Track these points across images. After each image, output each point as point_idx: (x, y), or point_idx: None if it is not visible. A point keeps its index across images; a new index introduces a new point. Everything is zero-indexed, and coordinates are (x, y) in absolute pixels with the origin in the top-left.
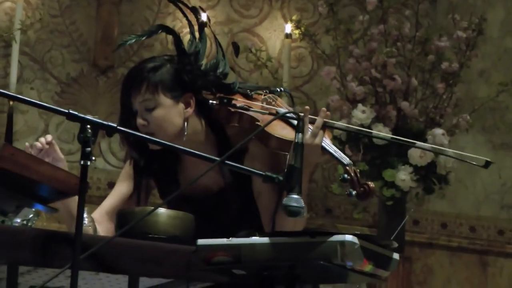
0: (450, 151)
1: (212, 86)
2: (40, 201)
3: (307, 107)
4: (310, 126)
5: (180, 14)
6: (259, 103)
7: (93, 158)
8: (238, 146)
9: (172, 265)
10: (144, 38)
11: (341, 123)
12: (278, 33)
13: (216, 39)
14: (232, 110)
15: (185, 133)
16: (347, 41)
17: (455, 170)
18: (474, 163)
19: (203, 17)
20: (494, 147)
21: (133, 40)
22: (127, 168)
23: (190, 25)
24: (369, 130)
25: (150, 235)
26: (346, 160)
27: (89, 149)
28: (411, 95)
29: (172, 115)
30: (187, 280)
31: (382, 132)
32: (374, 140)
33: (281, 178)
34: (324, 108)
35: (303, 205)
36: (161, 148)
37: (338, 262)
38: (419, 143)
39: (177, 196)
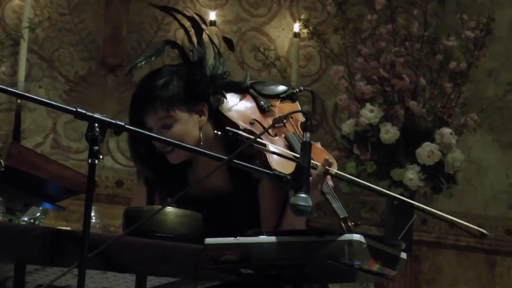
0: (450, 217)
1: (222, 89)
2: (48, 199)
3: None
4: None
5: (189, 13)
6: (271, 119)
7: (101, 156)
8: (244, 146)
9: (180, 264)
10: (153, 58)
11: (341, 173)
12: (287, 32)
13: (212, 41)
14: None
15: (201, 142)
16: (355, 40)
17: (463, 170)
18: (470, 231)
19: (215, 19)
20: (501, 147)
21: (143, 62)
22: (139, 187)
23: (187, 32)
24: (366, 183)
25: (158, 234)
26: (342, 213)
27: (97, 147)
28: (419, 95)
29: (190, 127)
30: (195, 279)
31: (390, 132)
32: (382, 139)
33: (289, 177)
34: (326, 157)
35: (311, 204)
36: (182, 160)
37: (346, 261)
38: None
39: (186, 200)
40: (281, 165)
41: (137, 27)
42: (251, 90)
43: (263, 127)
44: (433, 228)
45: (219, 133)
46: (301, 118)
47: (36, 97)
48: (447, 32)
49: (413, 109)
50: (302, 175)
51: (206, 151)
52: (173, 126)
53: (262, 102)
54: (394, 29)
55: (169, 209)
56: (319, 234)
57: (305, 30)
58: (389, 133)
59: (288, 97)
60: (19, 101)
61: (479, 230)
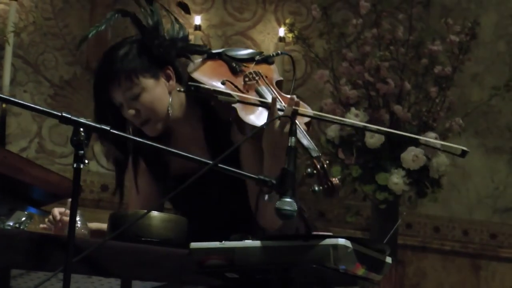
0: (432, 140)
1: (186, 52)
2: (33, 204)
3: (275, 94)
4: (280, 113)
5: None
6: (242, 79)
7: (86, 161)
8: (230, 151)
9: (165, 268)
10: (103, 26)
11: (311, 111)
12: (272, 37)
13: (164, 7)
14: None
15: (170, 108)
16: (340, 45)
17: (448, 174)
18: (451, 152)
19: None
20: (487, 151)
21: (94, 32)
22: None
23: (137, 2)
24: (342, 119)
25: (143, 238)
26: (315, 152)
27: (82, 152)
28: (404, 99)
29: (159, 93)
30: (180, 283)
31: (375, 136)
32: (367, 143)
33: (274, 181)
34: (293, 96)
35: (296, 208)
36: (159, 132)
37: (331, 265)
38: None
39: (166, 176)
40: (253, 116)
41: (122, 31)
42: (224, 56)
43: (239, 89)
44: (418, 232)
45: (182, 90)
46: (276, 76)
47: (21, 102)
48: (432, 36)
49: (398, 113)
50: (287, 179)
51: (190, 155)
52: (141, 95)
53: (233, 64)
54: (379, 34)
55: (154, 213)
56: (304, 238)
57: (290, 35)
58: (374, 137)
59: (264, 60)
60: (4, 105)
61: (459, 148)
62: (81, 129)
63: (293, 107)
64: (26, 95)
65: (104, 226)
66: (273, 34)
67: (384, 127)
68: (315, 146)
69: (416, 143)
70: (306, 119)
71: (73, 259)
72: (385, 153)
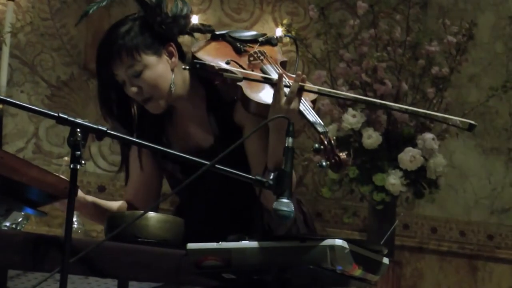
0: (438, 115)
1: (188, 29)
2: (29, 204)
3: (280, 71)
4: (286, 90)
5: None
6: (247, 58)
7: (83, 161)
8: (230, 149)
9: (162, 269)
10: (104, 2)
11: (317, 87)
12: None
13: None
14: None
15: (173, 85)
16: (337, 45)
17: (445, 175)
18: (459, 125)
19: (194, 19)
20: (484, 152)
21: (95, 7)
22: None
23: None
24: (348, 94)
25: (139, 239)
26: (321, 127)
27: (79, 152)
28: (401, 100)
29: (161, 70)
30: (177, 284)
31: (372, 137)
32: (365, 144)
33: (271, 182)
34: (299, 72)
35: (293, 209)
36: (163, 110)
37: (328, 266)
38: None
39: (167, 156)
40: (259, 93)
41: None
42: (228, 37)
43: (244, 69)
44: (415, 233)
45: (187, 67)
46: (280, 57)
47: (18, 102)
48: (429, 37)
49: (395, 114)
50: (284, 180)
51: (189, 156)
52: (143, 72)
53: (238, 44)
54: (376, 34)
55: (151, 214)
56: (301, 239)
57: None
58: (372, 138)
59: (267, 41)
60: (1, 106)
61: (467, 122)
62: (78, 130)
63: (299, 83)
64: (23, 96)
65: (101, 201)
66: (270, 34)
67: (381, 128)
68: (321, 122)
69: (413, 143)
70: (312, 97)
71: (70, 259)
72: (382, 154)
